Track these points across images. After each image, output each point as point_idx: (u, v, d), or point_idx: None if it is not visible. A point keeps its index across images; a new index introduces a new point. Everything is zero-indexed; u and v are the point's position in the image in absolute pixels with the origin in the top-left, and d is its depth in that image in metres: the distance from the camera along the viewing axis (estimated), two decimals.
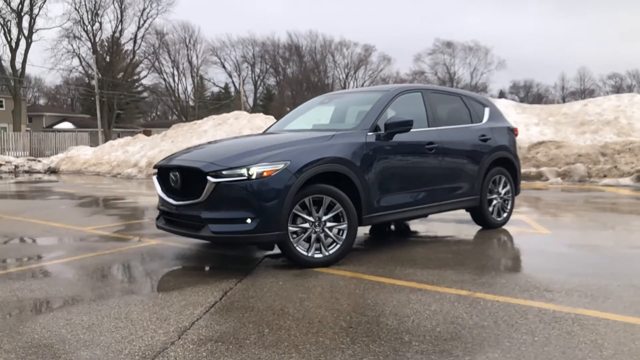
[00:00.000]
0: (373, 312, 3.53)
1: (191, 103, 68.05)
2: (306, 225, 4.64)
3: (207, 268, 4.96)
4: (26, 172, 22.64)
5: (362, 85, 78.47)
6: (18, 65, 47.17)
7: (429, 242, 5.91)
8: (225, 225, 4.50)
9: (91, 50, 54.02)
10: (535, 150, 13.62)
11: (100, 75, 50.57)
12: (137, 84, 64.11)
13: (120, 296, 3.99)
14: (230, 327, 3.29)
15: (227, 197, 4.45)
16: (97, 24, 54.57)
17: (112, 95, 53.19)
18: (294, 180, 4.48)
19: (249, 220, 4.41)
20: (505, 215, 6.60)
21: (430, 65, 78.56)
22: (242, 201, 4.43)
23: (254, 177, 4.40)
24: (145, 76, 65.23)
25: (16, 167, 22.99)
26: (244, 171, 4.42)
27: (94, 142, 35.98)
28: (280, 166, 4.48)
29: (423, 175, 5.57)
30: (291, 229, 4.58)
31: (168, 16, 79.60)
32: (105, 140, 33.45)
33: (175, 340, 3.08)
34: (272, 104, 70.94)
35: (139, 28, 57.04)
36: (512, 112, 16.28)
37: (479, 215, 6.39)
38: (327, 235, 4.73)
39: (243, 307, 3.66)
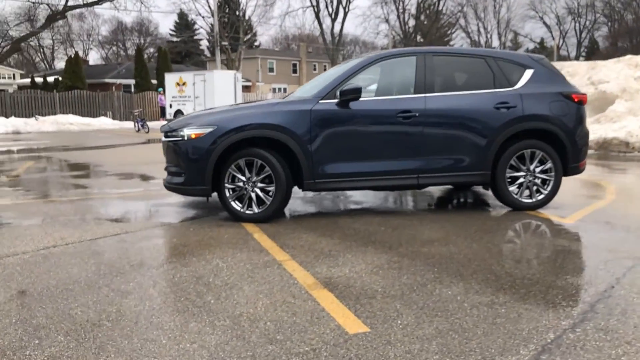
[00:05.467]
0: (183, 257, 4.13)
1: None
2: (240, 184, 5.24)
3: (193, 213, 5.94)
4: None
5: None
6: (336, 34, 53.80)
7: (413, 216, 5.65)
8: (171, 177, 5.49)
9: (397, 15, 57.58)
10: None
11: (406, 37, 53.61)
12: (449, 44, 65.49)
13: (48, 223, 5.37)
14: (78, 250, 4.37)
15: (172, 154, 5.41)
16: None
17: None
18: (218, 143, 5.12)
19: (182, 175, 5.29)
20: (540, 197, 5.62)
21: None
22: (178, 158, 5.32)
23: (185, 138, 5.22)
24: (450, 35, 65.91)
25: None
26: (181, 132, 5.28)
27: None
28: (208, 130, 5.18)
29: (390, 145, 5.36)
30: (228, 186, 5.25)
31: None
32: None
33: (9, 256, 4.31)
34: (594, 58, 62.87)
35: None
36: None
37: (497, 194, 5.67)
38: (257, 196, 5.23)
39: (120, 240, 4.68)
